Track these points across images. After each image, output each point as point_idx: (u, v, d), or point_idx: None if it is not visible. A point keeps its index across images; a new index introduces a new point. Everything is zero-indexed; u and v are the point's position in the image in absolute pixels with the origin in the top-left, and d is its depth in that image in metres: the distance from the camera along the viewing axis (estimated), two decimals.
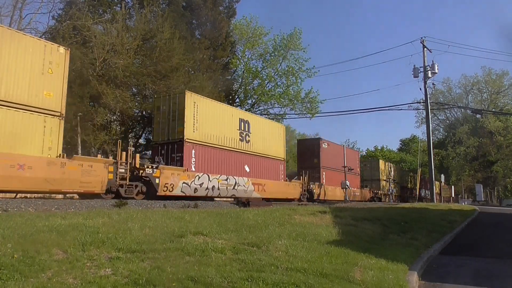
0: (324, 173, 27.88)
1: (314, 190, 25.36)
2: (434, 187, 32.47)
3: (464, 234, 13.58)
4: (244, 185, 18.90)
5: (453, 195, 47.33)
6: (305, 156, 28.48)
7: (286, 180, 23.07)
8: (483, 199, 54.45)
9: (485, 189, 59.18)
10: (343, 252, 7.28)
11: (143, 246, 5.94)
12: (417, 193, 45.11)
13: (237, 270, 5.35)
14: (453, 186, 50.69)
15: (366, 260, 6.92)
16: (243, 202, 16.54)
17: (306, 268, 5.75)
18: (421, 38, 32.01)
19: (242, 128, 19.63)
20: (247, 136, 19.91)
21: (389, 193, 37.99)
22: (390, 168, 41.93)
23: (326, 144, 28.99)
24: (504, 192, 68.45)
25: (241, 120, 19.65)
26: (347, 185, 29.03)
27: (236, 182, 18.45)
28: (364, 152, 69.01)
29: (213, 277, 4.92)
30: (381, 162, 40.87)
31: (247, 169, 19.58)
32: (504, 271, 7.77)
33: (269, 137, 21.94)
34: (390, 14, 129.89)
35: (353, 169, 32.13)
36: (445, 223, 14.78)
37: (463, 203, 41.98)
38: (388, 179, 39.37)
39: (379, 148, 75.55)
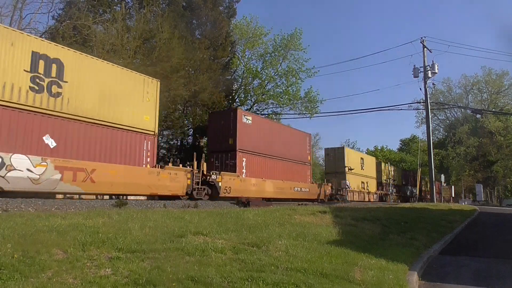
0: (244, 159, 19.66)
1: (220, 183, 17.45)
2: (434, 186, 32.37)
3: (464, 234, 13.57)
4: (30, 170, 10.93)
5: (453, 195, 47.24)
6: (217, 135, 20.50)
7: (158, 167, 15.15)
8: (483, 199, 54.44)
9: (485, 189, 59.17)
10: (343, 252, 7.29)
11: (143, 246, 5.94)
12: (417, 193, 45.00)
13: (237, 270, 5.35)
14: (453, 186, 50.69)
15: (366, 260, 6.93)
16: (243, 202, 16.53)
17: (306, 268, 5.75)
18: (421, 38, 32.08)
19: (42, 71, 11.77)
20: (54, 86, 12.03)
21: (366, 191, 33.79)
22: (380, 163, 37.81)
23: (249, 118, 20.66)
24: (504, 192, 68.43)
25: (37, 56, 11.71)
26: (347, 185, 28.97)
27: (3, 163, 10.43)
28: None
29: (213, 277, 4.92)
30: (348, 151, 32.97)
31: (49, 142, 11.85)
32: (505, 272, 7.77)
33: (118, 92, 13.92)
34: (390, 14, 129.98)
35: (304, 158, 25.45)
36: (445, 223, 14.78)
37: (463, 203, 41.96)
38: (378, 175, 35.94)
39: (379, 148, 75.64)
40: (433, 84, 34.04)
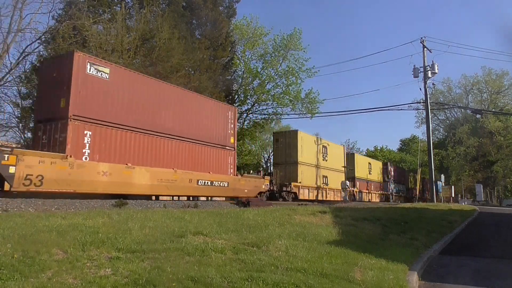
0: (88, 132, 12.39)
1: (14, 169, 10.10)
2: (434, 186, 32.26)
3: (464, 234, 13.56)
4: None
5: (453, 195, 47.23)
6: (46, 96, 13.16)
7: None
8: (483, 199, 54.43)
9: (485, 189, 59.16)
10: (343, 252, 7.29)
11: (143, 246, 5.94)
12: (417, 193, 44.93)
13: (237, 270, 5.35)
14: (453, 186, 50.69)
15: (366, 260, 6.93)
16: (243, 202, 16.53)
17: (306, 268, 5.75)
18: (421, 38, 32.04)
19: None
20: None
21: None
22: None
23: (104, 71, 13.08)
24: (504, 192, 68.47)
25: None
26: (347, 185, 28.89)
27: None
28: (364, 152, 68.93)
29: (213, 277, 4.92)
30: (303, 136, 25.78)
31: None
32: (504, 271, 7.77)
33: None
34: (390, 14, 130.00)
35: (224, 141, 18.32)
36: (445, 223, 14.78)
37: (463, 203, 41.90)
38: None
39: (379, 148, 75.59)
40: (433, 84, 34.03)
